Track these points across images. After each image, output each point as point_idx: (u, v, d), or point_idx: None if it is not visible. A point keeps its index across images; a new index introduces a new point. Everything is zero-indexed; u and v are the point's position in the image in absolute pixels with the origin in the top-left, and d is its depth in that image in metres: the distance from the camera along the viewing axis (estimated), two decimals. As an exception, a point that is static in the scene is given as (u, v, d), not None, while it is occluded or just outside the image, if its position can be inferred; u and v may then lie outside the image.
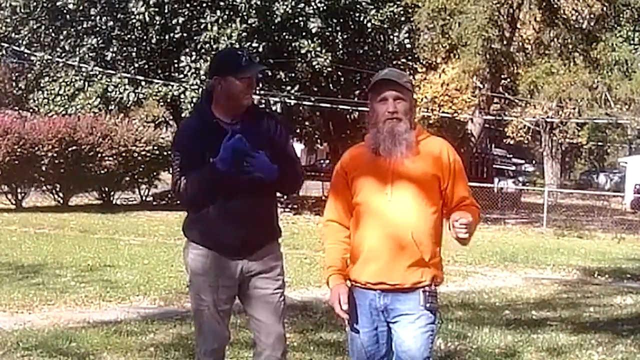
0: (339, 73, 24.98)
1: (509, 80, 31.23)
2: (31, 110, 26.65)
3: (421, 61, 28.05)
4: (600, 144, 58.77)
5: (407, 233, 3.58)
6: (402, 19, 23.63)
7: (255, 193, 3.97)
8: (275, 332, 4.11)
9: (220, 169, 3.89)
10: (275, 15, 22.36)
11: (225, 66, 4.07)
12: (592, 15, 26.32)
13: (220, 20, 22.21)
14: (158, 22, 22.43)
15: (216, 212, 3.97)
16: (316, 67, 22.68)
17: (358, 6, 23.48)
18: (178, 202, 4.24)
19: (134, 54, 24.24)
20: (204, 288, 4.04)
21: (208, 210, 3.99)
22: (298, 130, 29.61)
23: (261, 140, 4.02)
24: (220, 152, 3.88)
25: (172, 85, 22.72)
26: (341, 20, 23.96)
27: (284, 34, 23.06)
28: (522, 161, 65.45)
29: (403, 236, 3.58)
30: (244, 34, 21.96)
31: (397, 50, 24.92)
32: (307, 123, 27.98)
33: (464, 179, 3.73)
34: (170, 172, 4.12)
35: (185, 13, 22.94)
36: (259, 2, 22.10)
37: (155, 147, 22.56)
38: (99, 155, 21.10)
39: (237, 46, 21.77)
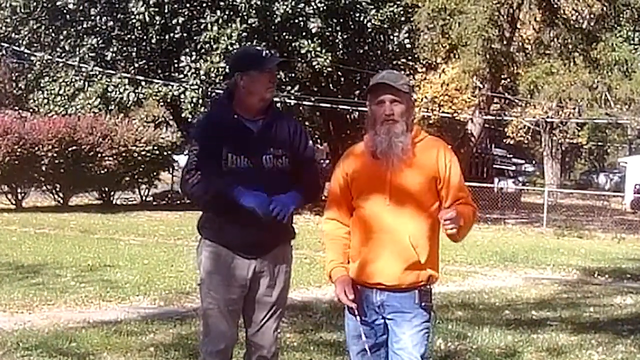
0: (339, 73, 24.99)
1: (509, 80, 31.23)
2: (31, 110, 26.65)
3: (421, 61, 28.05)
4: (600, 144, 58.76)
5: (404, 237, 3.64)
6: (402, 19, 23.64)
7: (270, 193, 3.97)
8: (269, 336, 4.12)
9: (245, 205, 3.91)
10: (275, 15, 22.36)
11: (247, 62, 4.11)
12: (592, 15, 26.28)
13: (220, 20, 22.21)
14: (158, 22, 22.43)
15: (231, 211, 3.97)
16: (316, 67, 22.68)
17: (358, 6, 23.49)
18: (181, 188, 4.24)
19: (134, 54, 24.24)
20: (216, 286, 4.04)
21: (223, 209, 3.99)
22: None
23: (281, 141, 4.07)
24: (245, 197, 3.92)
25: (172, 85, 22.73)
26: (341, 20, 23.97)
27: (284, 34, 23.06)
28: (522, 161, 65.45)
29: (401, 240, 3.64)
30: (244, 34, 21.96)
31: (397, 50, 24.94)
32: (307, 123, 27.96)
33: (459, 179, 3.76)
34: (186, 159, 4.10)
35: (185, 13, 22.95)
36: (259, 2, 22.11)
37: (155, 147, 22.55)
38: (99, 155, 21.10)
39: (237, 46, 21.79)
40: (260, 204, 3.89)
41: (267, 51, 4.20)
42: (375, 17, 23.29)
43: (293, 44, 22.83)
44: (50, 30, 24.46)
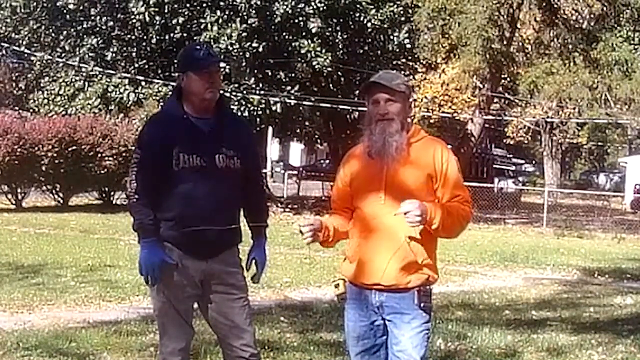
0: (339, 73, 24.97)
1: (509, 80, 31.23)
2: (31, 110, 26.61)
3: (421, 61, 28.05)
4: (600, 144, 58.77)
5: (400, 236, 3.64)
6: (402, 19, 23.63)
7: (221, 199, 4.00)
8: (245, 333, 4.11)
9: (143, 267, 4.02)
10: (275, 15, 22.36)
11: (184, 62, 4.14)
12: (592, 15, 26.29)
13: (220, 20, 22.20)
14: (158, 22, 22.43)
15: (182, 213, 3.99)
16: (316, 67, 22.67)
17: (358, 6, 23.48)
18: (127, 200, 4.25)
19: (134, 54, 24.23)
20: (170, 285, 4.04)
21: (174, 211, 4.01)
22: (298, 130, 29.62)
23: (233, 142, 4.08)
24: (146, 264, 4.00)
25: (172, 85, 22.71)
26: (341, 20, 23.96)
27: (284, 34, 23.06)
28: (522, 161, 65.47)
29: (397, 239, 3.64)
30: (244, 34, 21.95)
31: (397, 50, 24.92)
32: (307, 123, 27.97)
33: (456, 178, 3.75)
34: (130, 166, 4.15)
35: (185, 13, 22.94)
36: (259, 2, 22.10)
37: (155, 147, 22.49)
38: (99, 155, 21.07)
39: (237, 46, 21.79)
40: (146, 265, 3.99)
41: (205, 51, 4.14)
42: (375, 17, 23.27)
43: (293, 44, 22.82)
44: (50, 30, 24.45)
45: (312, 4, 22.62)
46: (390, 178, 3.68)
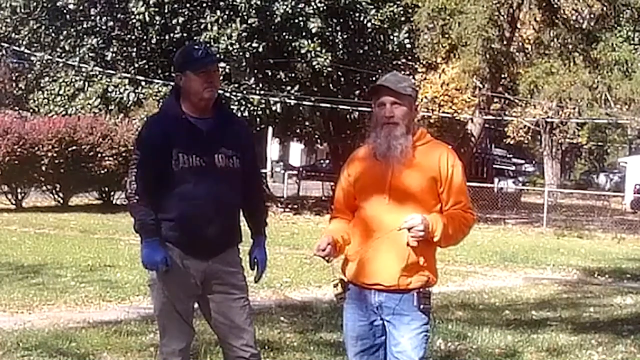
0: (339, 73, 24.97)
1: (509, 80, 31.23)
2: (31, 110, 26.60)
3: (421, 61, 28.04)
4: (600, 144, 58.72)
5: (403, 237, 3.64)
6: (402, 19, 23.63)
7: (220, 199, 4.01)
8: (246, 333, 4.11)
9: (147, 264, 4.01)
10: (275, 15, 22.36)
11: (182, 62, 4.12)
12: (592, 15, 26.31)
13: (220, 20, 22.21)
14: (158, 22, 22.43)
15: (183, 213, 4.00)
16: (316, 67, 22.68)
17: (358, 6, 23.48)
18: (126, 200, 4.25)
19: (134, 54, 24.23)
20: (171, 286, 4.04)
21: (174, 211, 4.01)
22: (298, 130, 29.60)
23: (232, 141, 4.09)
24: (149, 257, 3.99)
25: (172, 85, 22.70)
26: (341, 20, 23.96)
27: (284, 34, 23.06)
28: (522, 161, 65.46)
29: (399, 240, 3.65)
30: (244, 34, 21.96)
31: (397, 50, 24.92)
32: (307, 123, 27.96)
33: (460, 185, 3.77)
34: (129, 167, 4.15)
35: (185, 13, 22.95)
36: (259, 2, 22.11)
37: (155, 147, 22.49)
38: (99, 155, 21.08)
39: (237, 46, 21.80)
40: (148, 261, 3.98)
41: (203, 51, 4.14)
42: (375, 17, 23.28)
43: (293, 44, 22.82)
44: (50, 30, 24.44)
45: (312, 4, 22.63)
46: (395, 180, 3.69)
